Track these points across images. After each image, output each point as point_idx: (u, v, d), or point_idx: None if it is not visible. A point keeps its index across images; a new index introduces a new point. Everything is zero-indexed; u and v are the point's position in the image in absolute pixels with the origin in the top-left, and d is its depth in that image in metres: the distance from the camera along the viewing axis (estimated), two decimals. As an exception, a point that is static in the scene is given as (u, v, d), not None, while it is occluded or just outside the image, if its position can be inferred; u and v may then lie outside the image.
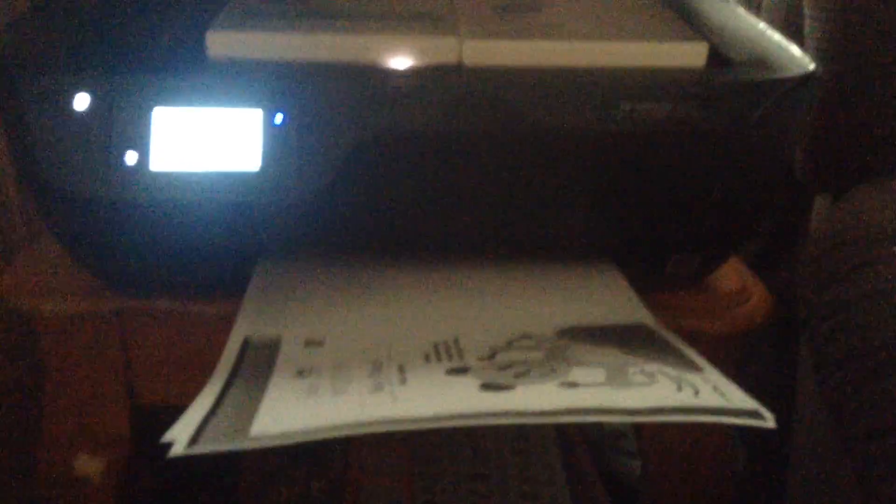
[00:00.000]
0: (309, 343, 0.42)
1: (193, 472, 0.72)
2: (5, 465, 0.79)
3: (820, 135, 0.63)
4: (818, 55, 0.62)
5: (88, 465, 0.54)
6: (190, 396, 0.53)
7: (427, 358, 0.40)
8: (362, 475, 0.69)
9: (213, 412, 0.35)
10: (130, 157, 0.41)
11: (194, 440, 0.32)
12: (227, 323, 0.45)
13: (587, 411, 0.33)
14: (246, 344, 0.42)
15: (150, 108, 0.41)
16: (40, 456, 0.54)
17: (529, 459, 0.72)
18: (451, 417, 0.32)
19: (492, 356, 0.40)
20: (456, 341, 0.42)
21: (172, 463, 0.32)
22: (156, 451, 0.34)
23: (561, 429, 0.74)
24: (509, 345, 0.41)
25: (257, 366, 0.40)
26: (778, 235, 0.76)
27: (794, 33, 0.66)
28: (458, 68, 0.45)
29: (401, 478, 0.68)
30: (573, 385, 0.35)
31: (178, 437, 0.32)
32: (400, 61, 0.44)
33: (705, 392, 0.34)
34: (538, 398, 0.34)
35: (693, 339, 0.47)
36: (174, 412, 0.50)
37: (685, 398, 0.34)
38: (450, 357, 0.40)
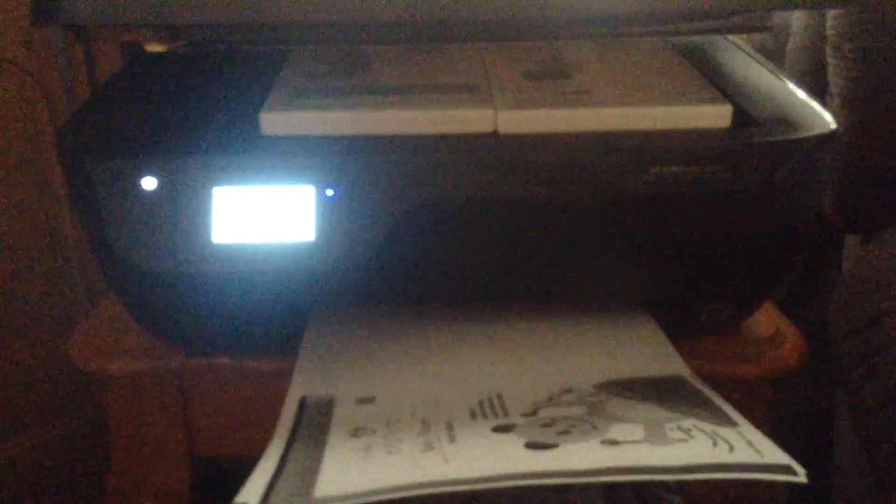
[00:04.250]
0: (361, 401, 0.45)
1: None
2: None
3: (848, 177, 0.65)
4: (843, 101, 0.64)
5: (153, 515, 0.57)
6: (246, 448, 0.56)
7: (473, 415, 0.42)
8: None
9: (277, 475, 0.37)
10: (194, 232, 0.45)
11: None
12: (281, 378, 0.48)
13: (627, 470, 0.35)
14: (303, 403, 0.45)
15: (211, 188, 0.44)
16: (107, 504, 0.58)
17: (571, 497, 0.73)
18: (500, 478, 0.34)
19: (534, 412, 0.42)
20: (500, 397, 0.44)
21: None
22: (215, 500, 0.36)
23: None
24: (551, 399, 0.43)
25: (314, 425, 0.43)
26: (809, 272, 0.77)
27: (819, 79, 0.68)
28: (494, 137, 0.47)
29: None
30: (614, 443, 0.37)
31: (248, 501, 0.35)
32: (440, 133, 0.47)
33: (740, 448, 0.36)
34: (581, 457, 0.36)
35: (728, 385, 0.48)
36: (233, 462, 0.53)
37: (720, 455, 0.35)
38: (495, 414, 0.42)
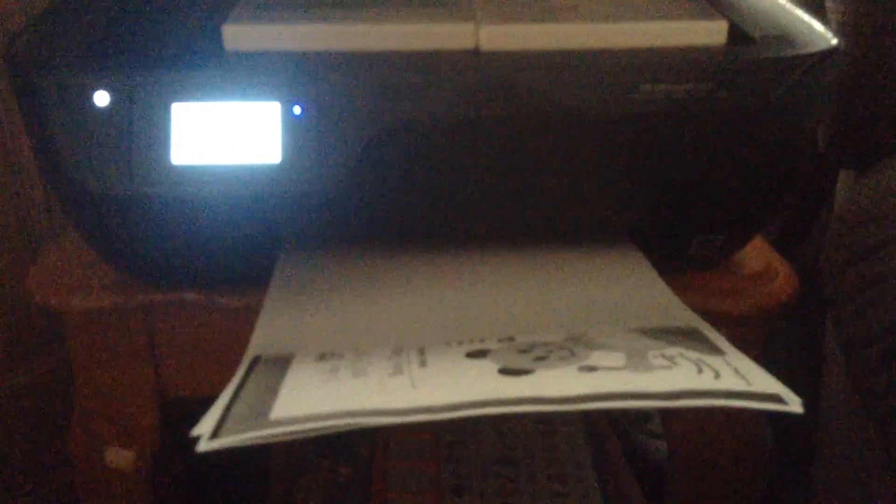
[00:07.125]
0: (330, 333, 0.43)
1: (223, 460, 0.74)
2: (44, 454, 0.80)
3: (843, 109, 0.62)
4: (841, 29, 0.61)
5: (120, 457, 0.55)
6: (217, 387, 0.54)
7: (447, 341, 0.40)
8: (389, 460, 0.69)
9: (234, 399, 0.35)
10: (151, 152, 0.42)
11: (216, 431, 0.32)
12: (252, 314, 0.45)
13: (606, 396, 0.32)
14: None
15: (170, 104, 0.41)
16: (73, 448, 0.55)
17: (556, 442, 0.72)
18: (470, 405, 0.32)
19: (512, 337, 0.40)
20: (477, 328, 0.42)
21: (202, 452, 0.33)
22: (185, 441, 0.34)
23: (587, 411, 0.74)
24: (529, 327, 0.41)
25: (280, 352, 0.40)
26: (802, 210, 0.75)
27: (816, 8, 0.65)
28: (476, 54, 0.45)
29: (428, 462, 0.69)
30: (592, 369, 0.35)
31: (204, 431, 0.32)
32: (417, 49, 0.44)
33: (726, 375, 0.34)
34: (557, 383, 0.34)
35: (718, 321, 0.46)
36: (202, 403, 0.51)
37: (705, 381, 0.33)
38: (470, 339, 0.40)
